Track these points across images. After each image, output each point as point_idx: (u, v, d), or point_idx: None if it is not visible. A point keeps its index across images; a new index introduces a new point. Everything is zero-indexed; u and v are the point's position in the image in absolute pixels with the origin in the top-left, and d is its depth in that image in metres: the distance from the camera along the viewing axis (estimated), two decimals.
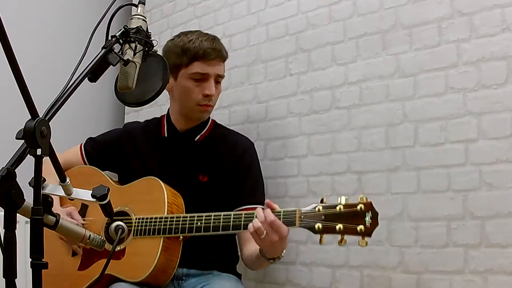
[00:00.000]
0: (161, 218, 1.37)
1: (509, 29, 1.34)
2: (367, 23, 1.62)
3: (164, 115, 1.67)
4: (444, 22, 1.46)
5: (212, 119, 1.67)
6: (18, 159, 0.81)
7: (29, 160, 0.82)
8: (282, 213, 1.25)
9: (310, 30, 1.77)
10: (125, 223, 1.34)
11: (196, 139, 1.60)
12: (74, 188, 1.02)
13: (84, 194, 1.02)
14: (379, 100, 1.57)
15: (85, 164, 1.63)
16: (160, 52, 1.28)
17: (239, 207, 1.52)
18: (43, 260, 0.80)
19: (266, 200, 1.30)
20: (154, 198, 1.41)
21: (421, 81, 1.49)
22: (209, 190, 1.53)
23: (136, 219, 1.40)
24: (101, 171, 1.59)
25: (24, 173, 0.87)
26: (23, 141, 0.80)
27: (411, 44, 1.52)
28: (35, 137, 0.77)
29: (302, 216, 1.23)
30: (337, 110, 1.67)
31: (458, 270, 1.36)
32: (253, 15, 1.97)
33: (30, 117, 0.79)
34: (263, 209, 1.27)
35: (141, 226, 1.38)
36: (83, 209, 1.51)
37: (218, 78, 1.56)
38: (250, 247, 1.44)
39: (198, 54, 1.50)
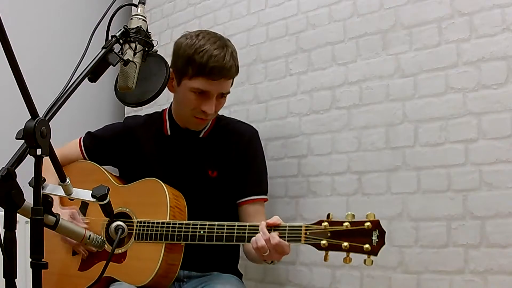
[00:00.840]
0: (163, 223, 1.34)
1: (509, 29, 1.34)
2: (367, 23, 1.62)
3: (166, 110, 1.62)
4: (444, 22, 1.46)
5: None
6: (18, 159, 0.81)
7: (29, 160, 0.82)
8: (287, 228, 1.22)
9: (310, 30, 1.77)
10: (126, 225, 1.33)
11: (200, 136, 1.57)
12: (74, 188, 1.02)
13: (84, 194, 1.02)
14: (379, 100, 1.57)
15: (84, 158, 1.60)
16: (161, 52, 1.27)
17: (244, 198, 1.52)
18: (43, 260, 0.80)
19: (267, 221, 1.25)
20: (156, 201, 1.39)
21: (421, 81, 1.49)
22: (219, 185, 1.51)
23: (137, 222, 1.38)
24: (101, 167, 1.56)
25: (24, 173, 0.87)
26: (23, 141, 0.80)
27: (411, 44, 1.52)
28: (35, 137, 0.77)
29: (308, 233, 1.20)
30: (337, 110, 1.67)
31: (458, 270, 1.36)
32: (253, 15, 1.97)
33: (30, 117, 0.79)
34: (268, 229, 1.23)
35: (143, 230, 1.36)
36: (83, 209, 1.50)
37: (223, 93, 1.47)
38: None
39: (203, 70, 1.38)
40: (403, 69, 1.53)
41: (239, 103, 1.96)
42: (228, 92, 1.49)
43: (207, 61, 1.38)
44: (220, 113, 1.60)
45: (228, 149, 1.55)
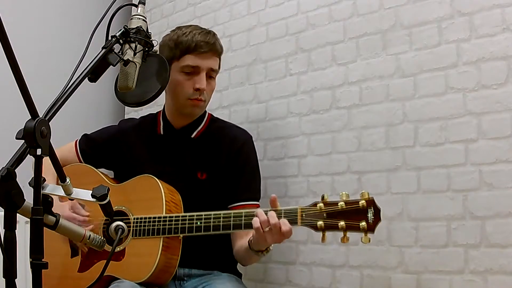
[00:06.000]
0: (159, 218, 1.36)
1: (509, 29, 1.34)
2: (367, 23, 1.62)
3: (160, 111, 1.65)
4: (444, 22, 1.46)
5: (208, 113, 1.64)
6: (18, 159, 0.81)
7: (29, 160, 0.82)
8: (283, 212, 1.23)
9: (310, 30, 1.77)
10: (124, 223, 1.33)
11: (192, 136, 1.58)
12: (74, 188, 1.02)
13: (84, 194, 1.02)
14: (379, 100, 1.57)
15: (80, 161, 1.61)
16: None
17: (234, 203, 1.51)
18: (43, 259, 0.80)
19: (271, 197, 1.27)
20: (151, 197, 1.40)
21: (421, 81, 1.49)
22: (208, 187, 1.52)
23: (134, 219, 1.39)
24: (95, 169, 1.57)
25: (24, 173, 0.87)
26: (23, 141, 0.80)
27: (411, 44, 1.52)
28: (35, 137, 0.77)
29: (304, 215, 1.22)
30: (337, 110, 1.67)
31: (458, 270, 1.36)
32: (253, 15, 1.97)
33: (30, 117, 0.79)
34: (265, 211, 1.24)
35: (140, 226, 1.37)
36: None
37: (211, 73, 1.52)
38: (240, 242, 1.45)
39: (190, 46, 1.47)
40: (403, 69, 1.53)
41: (239, 103, 1.96)
42: (217, 72, 1.55)
43: (192, 38, 1.48)
44: (217, 114, 1.60)
45: (219, 153, 1.55)
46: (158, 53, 1.26)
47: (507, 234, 1.29)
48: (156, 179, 1.43)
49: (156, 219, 1.36)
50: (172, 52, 1.49)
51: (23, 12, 2.24)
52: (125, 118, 2.41)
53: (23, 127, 0.78)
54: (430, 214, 1.42)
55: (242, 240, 1.44)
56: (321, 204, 1.21)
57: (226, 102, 2.00)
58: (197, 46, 1.47)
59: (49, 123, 0.82)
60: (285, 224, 1.20)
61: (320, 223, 1.19)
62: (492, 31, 1.37)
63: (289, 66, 1.82)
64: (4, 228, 0.76)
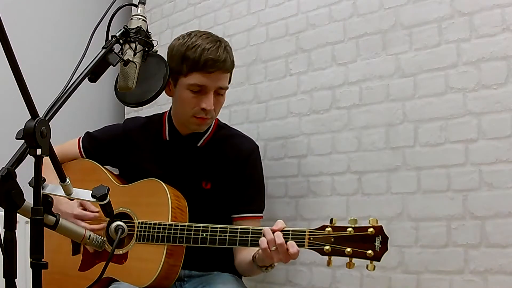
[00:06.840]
0: (165, 225, 1.33)
1: (509, 29, 1.34)
2: (367, 23, 1.62)
3: (166, 114, 1.61)
4: (444, 22, 1.46)
5: (216, 119, 1.59)
6: (18, 159, 0.81)
7: (29, 160, 0.82)
8: (290, 233, 1.21)
9: (310, 30, 1.77)
10: (127, 226, 1.32)
11: (199, 144, 1.54)
12: (74, 188, 1.02)
13: (84, 194, 1.02)
14: (379, 100, 1.57)
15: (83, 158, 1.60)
16: (161, 52, 1.27)
17: (238, 214, 1.50)
18: (43, 259, 0.80)
19: (271, 228, 1.23)
20: (157, 202, 1.39)
21: (421, 81, 1.49)
22: (212, 197, 1.50)
23: (138, 223, 1.37)
24: (102, 166, 1.56)
25: (24, 173, 0.87)
26: (23, 141, 0.80)
27: (411, 44, 1.52)
28: (35, 137, 0.77)
29: (311, 238, 1.20)
30: (337, 110, 1.67)
31: (458, 270, 1.36)
32: (253, 15, 1.97)
33: (30, 117, 0.79)
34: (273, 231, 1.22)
35: (144, 231, 1.35)
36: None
37: (220, 90, 1.45)
38: (243, 254, 1.43)
39: (197, 65, 1.37)
40: (403, 69, 1.53)
41: (239, 103, 1.96)
42: (226, 88, 1.47)
43: (200, 55, 1.37)
44: (220, 116, 1.58)
45: (225, 163, 1.53)
46: (158, 53, 1.26)
47: (507, 234, 1.29)
48: (163, 184, 1.41)
49: (162, 226, 1.34)
50: (179, 66, 1.40)
51: (23, 12, 2.24)
52: (128, 117, 2.40)
53: (23, 127, 0.78)
54: (430, 214, 1.42)
55: (245, 251, 1.42)
56: (330, 229, 1.19)
57: (226, 102, 1.96)
58: (205, 66, 1.37)
59: (49, 123, 0.82)
60: (293, 246, 1.18)
61: (327, 247, 1.17)
62: (492, 31, 1.37)
63: (289, 66, 1.82)
64: (4, 228, 0.76)
